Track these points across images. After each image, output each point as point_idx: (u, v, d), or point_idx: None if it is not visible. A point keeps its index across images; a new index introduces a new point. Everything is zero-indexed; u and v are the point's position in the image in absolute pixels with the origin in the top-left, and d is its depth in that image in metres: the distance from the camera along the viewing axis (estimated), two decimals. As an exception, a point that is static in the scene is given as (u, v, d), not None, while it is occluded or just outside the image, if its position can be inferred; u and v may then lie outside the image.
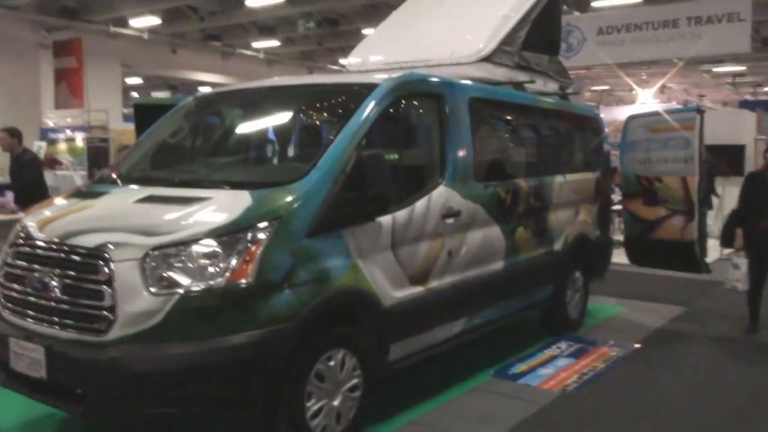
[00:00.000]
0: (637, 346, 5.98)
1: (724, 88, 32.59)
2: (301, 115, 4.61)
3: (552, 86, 6.69)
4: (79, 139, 18.20)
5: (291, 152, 4.46)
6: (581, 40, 14.61)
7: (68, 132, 20.27)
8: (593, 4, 16.95)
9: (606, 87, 32.61)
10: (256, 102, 4.84)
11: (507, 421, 4.27)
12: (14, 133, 7.98)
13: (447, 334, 4.65)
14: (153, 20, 20.31)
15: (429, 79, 4.67)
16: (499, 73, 5.81)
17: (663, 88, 30.96)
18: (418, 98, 4.63)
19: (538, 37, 6.40)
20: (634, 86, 27.59)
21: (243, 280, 3.25)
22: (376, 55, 6.15)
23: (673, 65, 22.89)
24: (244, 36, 23.11)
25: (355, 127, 3.91)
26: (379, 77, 4.36)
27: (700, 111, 6.55)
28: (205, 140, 4.98)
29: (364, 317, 3.89)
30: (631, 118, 7.11)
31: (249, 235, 3.32)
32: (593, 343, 6.02)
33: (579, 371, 5.27)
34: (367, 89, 4.17)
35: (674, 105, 32.19)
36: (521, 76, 6.10)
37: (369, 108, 4.03)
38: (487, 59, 5.70)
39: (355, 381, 3.81)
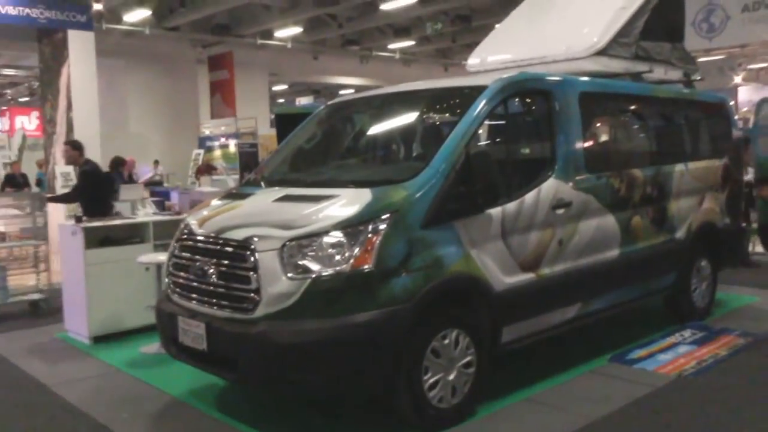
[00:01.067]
0: (765, 334, 5.87)
1: None
2: (418, 118, 5.04)
3: (675, 74, 6.67)
4: (232, 146, 19.80)
5: (408, 152, 4.91)
6: (724, 18, 13.88)
7: (222, 140, 22.08)
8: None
9: (765, 64, 30.34)
10: (378, 108, 5.35)
11: (619, 402, 4.47)
12: (76, 146, 7.81)
13: (560, 319, 4.91)
14: (295, 30, 21.65)
15: (536, 77, 4.95)
16: (615, 65, 5.94)
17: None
18: (526, 96, 4.93)
19: (658, 26, 6.41)
20: (800, 63, 25.60)
21: (365, 266, 3.74)
22: (494, 55, 6.47)
23: None
24: (381, 38, 23.99)
25: (464, 127, 4.29)
26: (488, 79, 4.70)
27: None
28: (334, 144, 5.57)
29: (477, 301, 4.26)
30: (765, 101, 6.90)
31: (370, 227, 3.81)
32: (719, 331, 5.98)
33: (699, 358, 5.31)
34: (476, 91, 4.53)
35: None
36: (639, 67, 6.17)
37: (478, 109, 4.39)
38: (602, 52, 5.85)
39: (469, 358, 4.19)
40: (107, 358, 5.78)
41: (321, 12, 19.74)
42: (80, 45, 11.91)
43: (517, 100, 4.85)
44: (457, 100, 4.74)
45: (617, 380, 4.91)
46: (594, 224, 5.08)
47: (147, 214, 7.25)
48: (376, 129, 5.43)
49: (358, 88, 28.99)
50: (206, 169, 18.28)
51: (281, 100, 36.24)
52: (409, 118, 5.12)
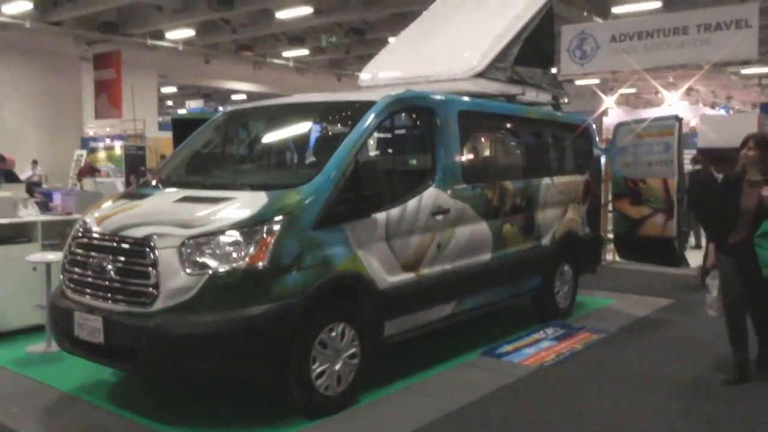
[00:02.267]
0: (616, 331, 6.64)
1: (753, 89, 32.67)
2: (312, 128, 5.40)
3: (545, 97, 7.39)
4: (118, 148, 19.28)
5: (302, 160, 5.24)
6: (595, 47, 15.16)
7: (107, 141, 21.43)
8: (613, 10, 17.52)
9: (633, 90, 32.92)
10: (275, 117, 5.67)
11: (486, 388, 4.99)
12: None
13: (437, 316, 5.40)
14: (188, 33, 21.41)
15: (421, 95, 5.44)
16: (492, 87, 6.54)
17: (690, 91, 31.19)
18: (411, 112, 5.41)
19: (531, 54, 7.10)
20: (660, 89, 27.92)
21: (259, 263, 4.04)
22: (384, 72, 6.94)
23: (699, 68, 23.25)
24: (275, 46, 24.11)
25: (354, 138, 4.69)
26: (377, 95, 5.13)
27: (678, 119, 7.19)
28: (231, 149, 5.82)
29: (362, 297, 4.65)
30: (620, 125, 7.78)
31: (265, 227, 4.12)
32: (577, 328, 6.70)
33: (558, 351, 5.96)
34: (366, 105, 4.95)
35: (701, 107, 32.48)
36: (514, 89, 6.81)
37: (367, 122, 4.81)
38: (481, 75, 6.43)
39: (353, 350, 4.57)
40: (-9, 358, 5.72)
41: (215, 16, 19.66)
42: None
43: (403, 115, 5.31)
44: (349, 113, 5.13)
45: (486, 371, 5.45)
46: (469, 230, 5.61)
47: (30, 214, 7.14)
48: (272, 137, 5.74)
49: (251, 95, 28.94)
50: (89, 170, 17.73)
51: (170, 103, 35.49)
52: (303, 127, 5.46)
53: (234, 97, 31.63)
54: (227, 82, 27.83)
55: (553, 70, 7.90)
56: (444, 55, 6.66)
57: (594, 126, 7.88)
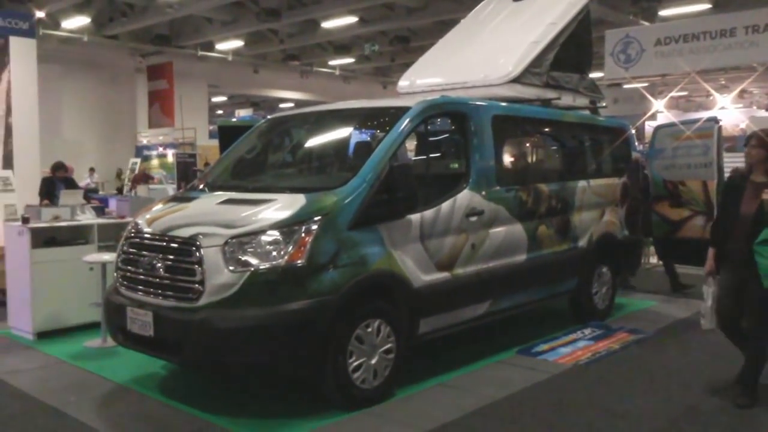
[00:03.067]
0: (655, 332, 6.65)
1: (808, 90, 31.71)
2: (349, 134, 5.62)
3: (582, 101, 7.47)
4: (170, 155, 19.92)
5: (339, 164, 5.45)
6: (639, 51, 15.05)
7: (160, 149, 22.15)
8: (661, 13, 17.34)
9: (684, 93, 32.31)
10: (314, 123, 5.93)
11: (519, 385, 5.11)
12: None
13: (472, 314, 5.54)
14: (237, 43, 22.03)
15: (454, 101, 5.60)
16: (527, 92, 6.67)
17: (743, 93, 30.46)
18: (445, 117, 5.58)
19: (567, 59, 7.20)
20: (712, 91, 27.37)
21: (298, 261, 4.27)
22: (422, 79, 7.13)
23: (752, 70, 22.75)
24: (322, 55, 24.57)
25: (389, 143, 4.88)
26: (412, 101, 5.32)
27: (716, 121, 7.17)
28: (273, 155, 6.10)
29: (397, 295, 4.83)
30: (659, 128, 7.80)
31: (303, 227, 4.34)
32: (615, 329, 6.74)
33: (594, 350, 6.03)
34: (401, 111, 5.15)
35: (754, 109, 31.65)
36: (549, 94, 6.92)
37: (401, 127, 5.00)
38: (516, 80, 6.57)
39: (389, 345, 4.76)
40: (52, 351, 6.09)
41: (263, 27, 20.18)
42: (21, 51, 12.01)
43: (437, 120, 5.49)
44: (384, 119, 5.33)
45: (521, 369, 5.56)
46: (503, 231, 5.74)
47: (87, 218, 7.55)
48: (311, 142, 5.99)
49: (298, 103, 29.49)
50: (143, 178, 18.38)
51: (220, 112, 36.34)
52: (341, 133, 5.69)
53: (282, 105, 32.27)
54: (275, 90, 28.41)
55: (600, 74, 7.94)
56: (480, 61, 6.81)
57: (633, 129, 7.89)
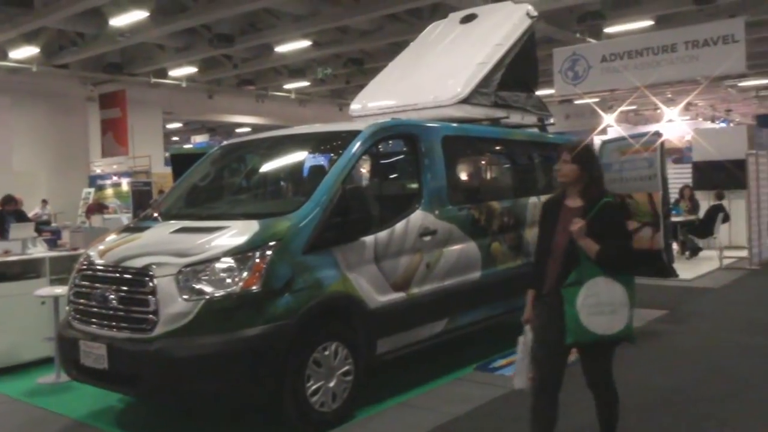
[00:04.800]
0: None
1: (752, 101, 32.91)
2: (302, 158, 5.68)
3: (530, 119, 7.66)
4: (125, 184, 19.67)
5: (293, 189, 5.51)
6: (587, 68, 15.50)
7: (114, 178, 21.87)
8: (606, 30, 17.86)
9: (633, 107, 33.22)
10: (267, 149, 5.97)
11: (477, 401, 5.17)
12: None
13: (429, 333, 5.60)
14: (190, 70, 21.94)
15: (404, 123, 5.72)
16: (476, 112, 6.82)
17: (689, 105, 31.46)
18: (397, 139, 5.68)
19: (514, 78, 7.39)
20: (660, 105, 28.18)
21: (253, 288, 4.28)
22: (373, 102, 7.24)
23: (696, 83, 23.54)
24: (277, 79, 24.61)
25: (341, 167, 4.95)
26: (362, 124, 5.41)
27: (659, 134, 7.41)
28: (227, 181, 6.11)
29: (353, 317, 4.87)
30: (605, 143, 8.00)
31: (257, 254, 4.37)
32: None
33: (551, 363, 6.13)
34: (352, 135, 5.22)
35: (700, 121, 32.68)
36: (498, 113, 7.09)
37: (353, 150, 5.08)
38: (465, 101, 6.72)
39: (347, 367, 4.78)
40: (4, 390, 5.94)
41: (216, 53, 20.15)
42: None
43: (388, 142, 5.58)
44: (336, 143, 5.39)
45: (480, 385, 5.63)
46: (457, 250, 5.84)
47: (39, 251, 7.42)
48: (264, 168, 6.03)
49: (255, 127, 29.44)
50: (97, 207, 18.11)
51: (176, 139, 36.04)
52: (293, 158, 5.74)
53: (238, 130, 32.16)
54: (231, 115, 28.33)
55: (550, 91, 8.14)
56: (429, 83, 6.95)
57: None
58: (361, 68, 21.70)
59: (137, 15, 15.73)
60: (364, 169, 5.27)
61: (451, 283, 5.74)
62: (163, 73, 22.21)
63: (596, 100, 24.15)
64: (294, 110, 27.39)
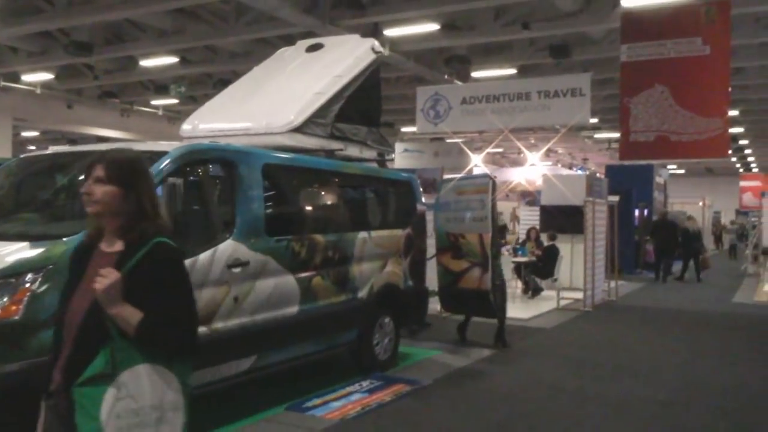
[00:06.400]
0: (429, 382, 6.77)
1: (606, 152, 35.26)
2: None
3: (369, 153, 7.61)
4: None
5: (78, 210, 5.04)
6: (448, 108, 15.95)
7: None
8: (473, 75, 18.48)
9: (500, 149, 34.63)
10: (62, 166, 5.49)
11: (275, 444, 4.93)
12: None
13: (234, 370, 5.29)
14: (46, 76, 20.57)
15: (218, 147, 5.45)
16: (309, 141, 6.67)
17: (549, 152, 33.22)
18: (208, 164, 5.38)
19: (355, 111, 7.32)
20: (523, 149, 29.53)
21: (14, 317, 3.83)
22: (206, 124, 6.92)
23: (556, 131, 24.87)
24: (143, 93, 23.59)
25: (137, 189, 4.58)
26: (169, 146, 5.08)
27: (491, 177, 7.61)
28: (12, 198, 5.53)
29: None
30: (443, 182, 8.13)
31: (22, 279, 3.92)
32: (393, 380, 6.77)
33: (366, 403, 5.99)
34: (156, 156, 4.88)
35: (559, 167, 34.61)
36: (334, 145, 6.97)
37: (154, 173, 4.72)
38: (298, 129, 6.55)
39: (128, 408, 4.38)
40: None
41: (74, 61, 19.04)
42: None
43: (198, 167, 5.27)
44: (139, 163, 5.02)
45: (286, 426, 5.39)
46: (272, 283, 5.59)
47: None
48: (53, 186, 5.53)
49: (121, 141, 28.00)
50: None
51: (33, 147, 33.75)
52: (85, 177, 5.30)
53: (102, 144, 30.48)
54: (93, 128, 26.79)
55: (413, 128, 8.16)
56: (264, 109, 6.75)
57: (419, 181, 8.15)
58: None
59: (-19, 13, 14.57)
60: (170, 195, 4.92)
61: (262, 318, 5.48)
62: (14, 77, 20.69)
63: (464, 140, 25.01)
64: (162, 126, 26.35)
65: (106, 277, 2.23)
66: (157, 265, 2.31)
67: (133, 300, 2.25)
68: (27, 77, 20.72)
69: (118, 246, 2.38)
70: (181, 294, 2.36)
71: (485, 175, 7.83)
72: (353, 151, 7.29)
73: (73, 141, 31.55)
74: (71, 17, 15.02)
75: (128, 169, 2.45)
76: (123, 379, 2.20)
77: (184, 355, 2.37)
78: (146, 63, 19.05)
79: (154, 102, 24.86)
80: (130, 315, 2.24)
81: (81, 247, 2.53)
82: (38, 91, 21.70)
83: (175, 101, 24.58)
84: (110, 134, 27.71)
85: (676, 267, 18.21)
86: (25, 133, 28.92)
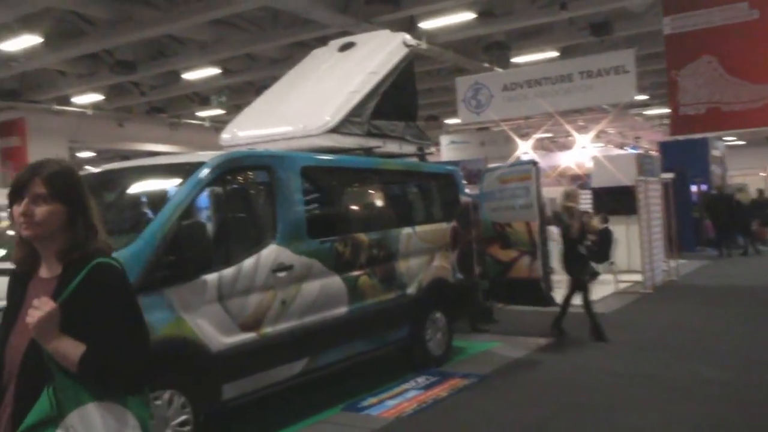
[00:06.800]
0: (487, 374, 6.66)
1: (658, 129, 34.27)
2: (141, 192, 5.35)
3: (409, 148, 7.55)
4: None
5: (123, 224, 5.14)
6: (489, 96, 15.74)
7: (15, 209, 20.73)
8: (514, 60, 18.20)
9: (549, 134, 34.04)
10: (110, 181, 5.59)
11: (333, 445, 4.93)
12: None
13: (287, 374, 5.31)
14: (96, 97, 21.18)
15: (255, 154, 5.49)
16: (347, 141, 6.65)
17: (600, 133, 32.48)
18: (247, 171, 5.41)
19: (391, 108, 7.27)
20: (573, 132, 28.96)
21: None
22: (244, 131, 6.99)
23: (604, 112, 24.29)
24: (189, 106, 24.06)
25: (177, 201, 4.65)
26: (206, 156, 5.13)
27: (534, 163, 7.44)
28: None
29: (190, 361, 4.54)
30: (486, 171, 7.99)
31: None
32: (448, 375, 6.70)
33: (421, 400, 5.93)
34: (194, 167, 4.94)
35: (611, 148, 33.83)
36: (372, 143, 6.94)
37: (193, 183, 4.79)
38: (335, 130, 6.55)
39: (184, 417, 4.44)
40: None
41: (121, 80, 19.53)
42: None
43: (237, 175, 5.31)
44: (178, 175, 5.09)
45: (342, 427, 5.38)
46: (318, 285, 5.59)
47: None
48: (101, 201, 5.64)
49: (170, 155, 28.61)
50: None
51: (89, 167, 34.80)
52: (132, 191, 5.40)
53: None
54: (143, 144, 27.43)
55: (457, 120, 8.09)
56: (299, 112, 6.76)
57: (461, 173, 8.05)
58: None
59: (30, 40, 15.05)
60: (209, 203, 4.97)
61: (311, 321, 5.49)
62: (66, 101, 21.37)
63: (510, 127, 24.68)
64: (209, 137, 26.69)
65: (39, 309, 1.95)
66: (97, 289, 2.03)
67: (75, 331, 1.98)
68: (77, 99, 21.37)
69: (57, 270, 2.09)
70: (125, 319, 2.07)
71: (528, 162, 7.66)
72: (392, 147, 7.25)
73: (126, 158, 32.45)
74: (114, 37, 15.38)
75: (72, 183, 2.12)
76: (71, 422, 1.95)
77: (135, 388, 2.07)
78: (188, 76, 19.41)
79: (199, 114, 25.31)
80: (70, 349, 1.96)
81: (17, 275, 2.20)
82: (89, 112, 22.36)
83: (221, 112, 24.97)
84: (160, 149, 28.31)
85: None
86: (80, 154, 29.77)
